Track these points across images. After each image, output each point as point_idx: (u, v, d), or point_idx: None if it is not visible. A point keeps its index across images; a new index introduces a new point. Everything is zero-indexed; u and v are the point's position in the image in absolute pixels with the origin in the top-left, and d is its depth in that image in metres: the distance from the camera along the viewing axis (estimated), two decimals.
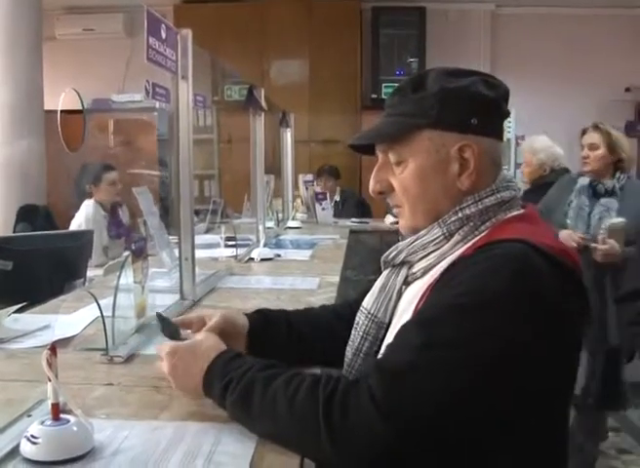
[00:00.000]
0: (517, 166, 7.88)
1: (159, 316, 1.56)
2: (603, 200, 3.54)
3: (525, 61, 8.06)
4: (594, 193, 3.59)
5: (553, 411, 1.23)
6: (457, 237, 1.29)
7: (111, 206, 4.87)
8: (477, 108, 1.30)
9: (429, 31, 7.95)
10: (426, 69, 1.39)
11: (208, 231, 4.67)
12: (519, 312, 1.12)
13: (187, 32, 2.19)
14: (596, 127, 3.66)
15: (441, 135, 1.30)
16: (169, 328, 1.52)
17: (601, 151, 3.60)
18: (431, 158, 1.31)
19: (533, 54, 8.09)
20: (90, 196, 4.82)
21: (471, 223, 1.29)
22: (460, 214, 1.29)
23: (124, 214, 4.97)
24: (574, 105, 8.05)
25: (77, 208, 4.81)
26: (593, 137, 3.64)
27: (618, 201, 3.50)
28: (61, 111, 2.16)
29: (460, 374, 1.08)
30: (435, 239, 1.31)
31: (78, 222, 4.68)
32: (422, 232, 1.33)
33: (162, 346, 1.41)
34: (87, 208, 4.74)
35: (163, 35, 2.01)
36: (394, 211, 1.43)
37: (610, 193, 3.53)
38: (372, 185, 1.41)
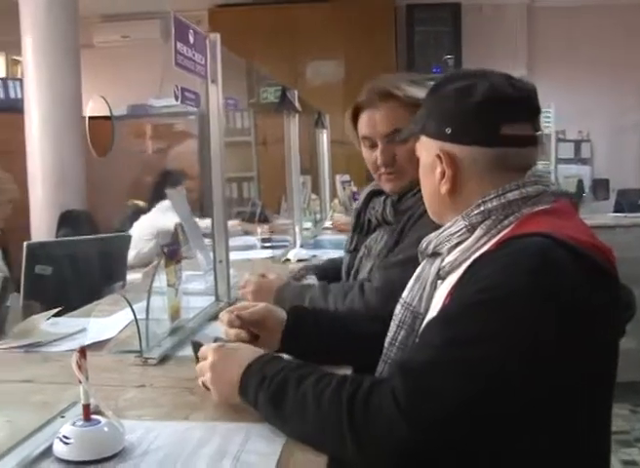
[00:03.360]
0: (558, 161, 7.81)
1: (194, 344, 1.54)
2: None
3: (563, 55, 7.95)
4: None
5: (586, 410, 1.21)
6: (479, 231, 1.29)
7: None
8: (450, 118, 1.33)
9: (464, 27, 7.88)
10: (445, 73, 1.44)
11: (247, 233, 4.71)
12: (539, 308, 1.11)
13: (216, 36, 2.21)
14: None
15: (426, 141, 1.39)
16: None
17: None
18: (423, 160, 1.42)
19: (571, 47, 7.97)
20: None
21: (493, 217, 1.29)
22: (482, 208, 1.30)
23: None
24: (616, 100, 7.95)
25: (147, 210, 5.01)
26: None
27: None
28: (93, 117, 2.21)
29: (481, 372, 1.08)
30: (459, 231, 1.33)
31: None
32: (448, 224, 1.36)
33: (205, 350, 1.42)
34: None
35: (191, 40, 2.04)
36: None
37: None
38: None
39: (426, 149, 1.39)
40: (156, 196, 5.06)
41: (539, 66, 7.92)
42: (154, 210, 4.97)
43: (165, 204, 4.95)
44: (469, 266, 1.24)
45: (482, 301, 1.14)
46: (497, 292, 1.13)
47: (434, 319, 1.22)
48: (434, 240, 1.39)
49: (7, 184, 3.51)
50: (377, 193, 2.22)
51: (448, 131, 1.32)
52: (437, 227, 1.46)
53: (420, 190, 1.94)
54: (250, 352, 1.36)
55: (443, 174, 1.35)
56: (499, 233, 1.27)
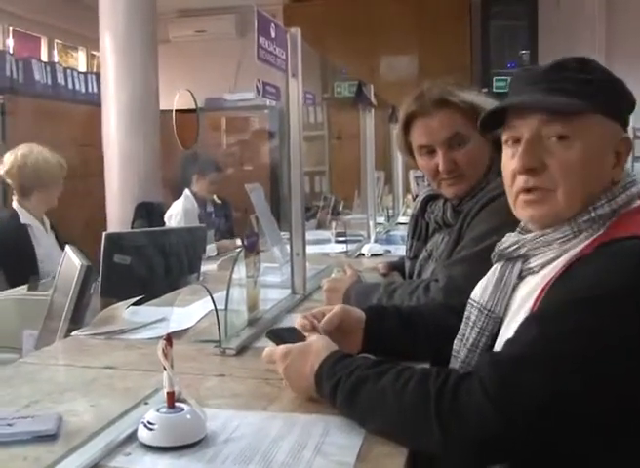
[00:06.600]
0: (635, 159, 7.61)
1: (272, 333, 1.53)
2: None
3: None
4: None
5: None
6: (583, 235, 1.26)
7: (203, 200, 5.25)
8: (629, 106, 1.32)
9: (541, 21, 7.75)
10: (584, 56, 1.34)
11: (319, 227, 4.73)
12: (635, 307, 1.09)
13: (296, 31, 2.22)
14: None
15: (609, 124, 1.29)
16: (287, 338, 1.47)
17: None
18: (597, 143, 1.27)
19: None
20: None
21: (601, 222, 1.26)
22: (592, 214, 1.26)
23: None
24: None
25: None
26: None
27: None
28: (176, 111, 2.26)
29: (572, 368, 1.07)
30: (563, 237, 1.27)
31: (175, 211, 5.06)
32: (549, 229, 1.30)
33: (273, 349, 1.42)
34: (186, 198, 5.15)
35: (273, 34, 2.05)
36: (527, 197, 1.32)
37: None
38: (526, 161, 1.29)
39: (607, 133, 1.29)
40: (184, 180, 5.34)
41: (618, 61, 7.69)
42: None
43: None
44: (566, 267, 1.22)
45: (578, 300, 1.13)
46: (593, 290, 1.12)
47: (529, 316, 1.21)
48: (528, 244, 1.32)
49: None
50: (433, 198, 2.21)
51: (626, 117, 1.31)
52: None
53: (478, 192, 1.94)
54: (317, 353, 1.34)
55: (617, 160, 1.30)
56: (595, 233, 1.25)
